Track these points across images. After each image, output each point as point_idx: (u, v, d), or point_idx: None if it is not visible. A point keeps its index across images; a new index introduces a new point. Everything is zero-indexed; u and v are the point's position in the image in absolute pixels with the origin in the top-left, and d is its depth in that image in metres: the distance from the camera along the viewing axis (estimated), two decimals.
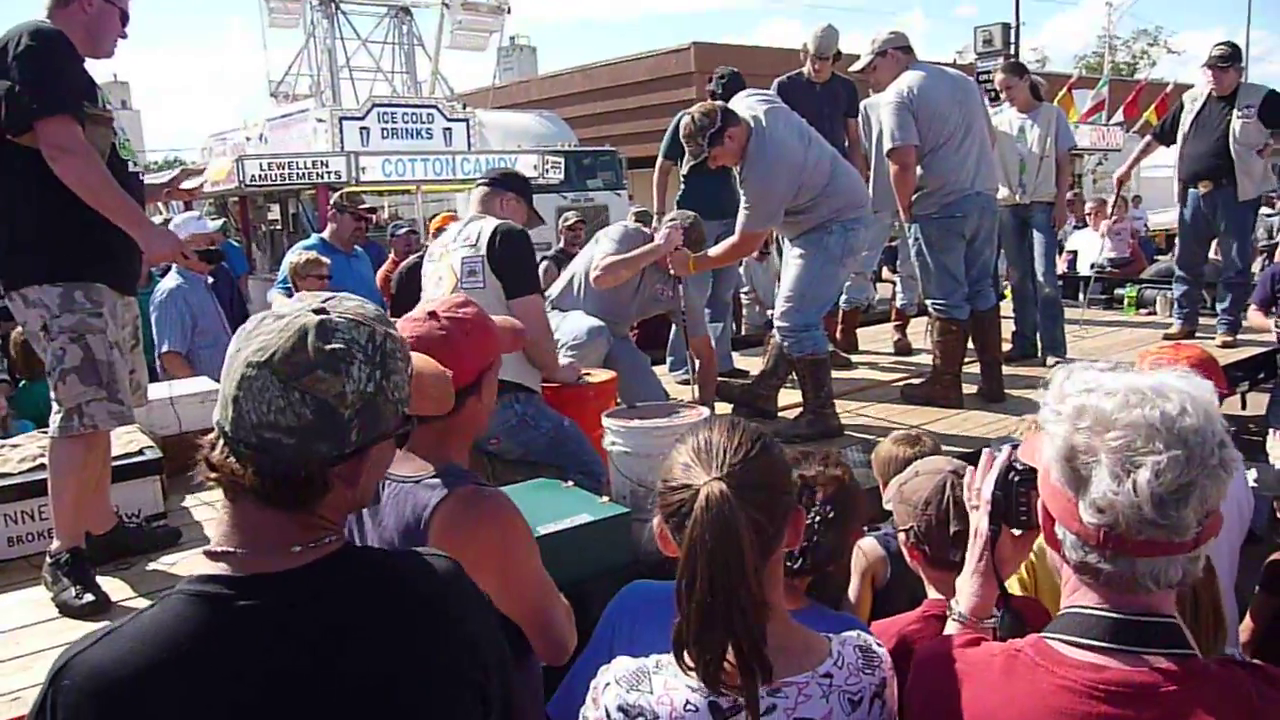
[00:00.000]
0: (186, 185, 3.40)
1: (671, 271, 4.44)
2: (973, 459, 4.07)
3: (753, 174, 4.16)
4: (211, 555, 1.12)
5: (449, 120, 14.68)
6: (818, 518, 1.75)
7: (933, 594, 1.87)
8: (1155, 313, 7.57)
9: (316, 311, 1.14)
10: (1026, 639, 1.20)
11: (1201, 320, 6.62)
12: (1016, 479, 1.34)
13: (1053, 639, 1.16)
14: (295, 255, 5.48)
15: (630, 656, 1.30)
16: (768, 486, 1.29)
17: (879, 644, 1.37)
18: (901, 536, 1.93)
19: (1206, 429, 1.07)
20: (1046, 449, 1.15)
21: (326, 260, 5.40)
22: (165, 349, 4.88)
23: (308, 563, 1.12)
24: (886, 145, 4.69)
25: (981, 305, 4.97)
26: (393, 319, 4.27)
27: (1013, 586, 2.13)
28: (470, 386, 1.82)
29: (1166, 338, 6.42)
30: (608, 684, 1.26)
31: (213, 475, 1.12)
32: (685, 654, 1.21)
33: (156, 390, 3.54)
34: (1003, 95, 6.15)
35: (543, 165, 14.65)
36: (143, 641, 1.03)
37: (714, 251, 4.52)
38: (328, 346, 1.10)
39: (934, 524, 1.83)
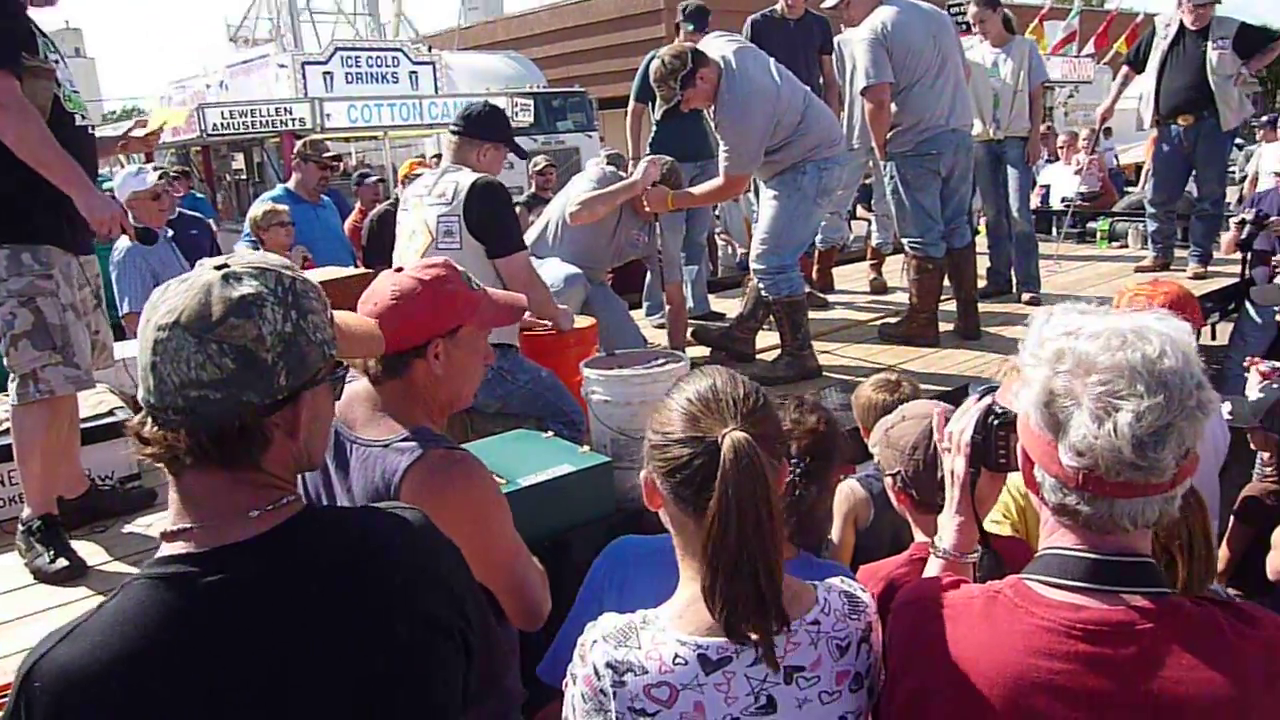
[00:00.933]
0: (139, 134, 3.27)
1: (647, 208, 4.37)
2: (951, 398, 4.11)
3: (727, 116, 4.09)
4: (168, 536, 1.09)
5: (414, 63, 14.36)
6: (797, 469, 1.73)
7: (919, 537, 1.87)
8: (1127, 245, 7.61)
9: (218, 268, 1.12)
10: (1006, 580, 1.20)
11: (1174, 252, 6.66)
12: (996, 422, 1.34)
13: (1031, 580, 1.17)
14: (256, 208, 5.36)
15: (621, 610, 1.29)
16: (774, 436, 1.29)
17: (863, 589, 1.37)
18: (888, 481, 1.93)
19: (1185, 371, 1.08)
20: (1026, 393, 1.15)
21: (285, 208, 5.28)
22: (126, 310, 4.75)
23: (269, 528, 1.10)
24: (860, 83, 4.63)
25: (957, 243, 4.97)
26: (367, 269, 4.17)
27: (1004, 528, 2.16)
28: (418, 348, 1.77)
29: (1139, 270, 6.48)
30: (595, 641, 1.25)
31: (148, 451, 1.09)
32: (689, 612, 1.22)
33: (124, 349, 3.46)
34: (975, 29, 6.07)
35: (511, 108, 14.38)
36: (109, 634, 1.01)
37: (696, 190, 4.45)
38: (235, 294, 1.09)
39: (922, 468, 1.83)
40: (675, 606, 1.26)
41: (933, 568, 1.44)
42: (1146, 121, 6.32)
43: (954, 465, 1.41)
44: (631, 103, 5.81)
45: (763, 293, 4.35)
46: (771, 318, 4.47)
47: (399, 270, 1.81)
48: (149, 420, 1.09)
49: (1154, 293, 2.64)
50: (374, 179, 7.90)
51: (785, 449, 1.36)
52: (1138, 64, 6.48)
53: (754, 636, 1.19)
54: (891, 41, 4.49)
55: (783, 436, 1.34)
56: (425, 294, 1.78)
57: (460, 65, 17.17)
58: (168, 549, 1.08)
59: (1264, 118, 11.06)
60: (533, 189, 7.94)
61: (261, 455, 1.11)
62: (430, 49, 16.44)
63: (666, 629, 1.23)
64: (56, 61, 2.74)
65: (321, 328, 1.17)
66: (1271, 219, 5.17)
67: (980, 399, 1.39)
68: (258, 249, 5.23)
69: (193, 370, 1.06)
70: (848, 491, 2.55)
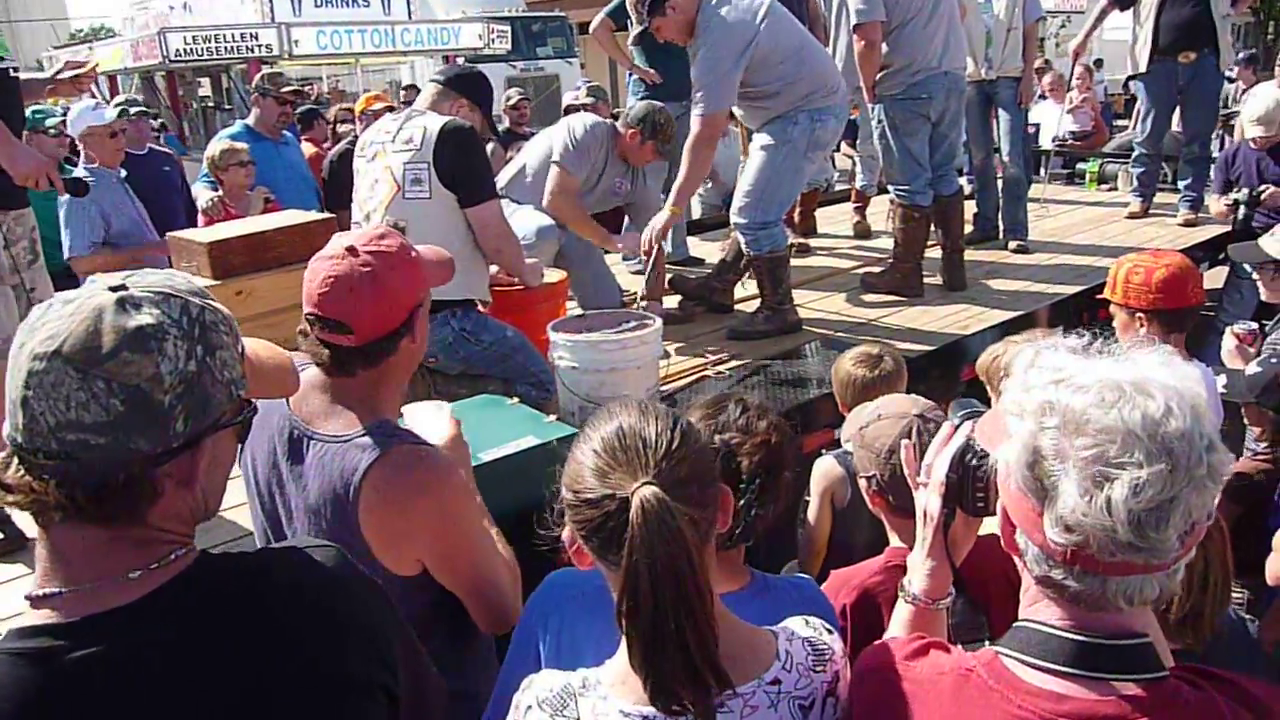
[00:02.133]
0: (67, 76, 3.03)
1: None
2: (936, 355, 3.98)
3: (702, 44, 3.87)
4: (34, 601, 0.94)
5: None
6: (749, 491, 1.53)
7: (895, 541, 1.76)
8: (1116, 188, 7.44)
9: (114, 289, 0.96)
10: (980, 654, 1.07)
11: (1161, 197, 6.51)
12: (974, 462, 1.20)
13: (1009, 657, 1.03)
14: (213, 147, 5.10)
15: (559, 659, 1.16)
16: (698, 478, 1.12)
17: (828, 629, 1.24)
18: (863, 483, 1.80)
19: (1194, 432, 0.91)
20: (1008, 448, 0.99)
21: (244, 146, 5.02)
22: (69, 255, 4.49)
23: (152, 589, 0.96)
24: (851, 20, 4.40)
25: (945, 190, 4.79)
26: (330, 214, 3.91)
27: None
28: (402, 327, 1.64)
29: (1129, 216, 6.33)
30: (529, 707, 1.12)
31: (10, 500, 0.94)
32: (632, 678, 1.07)
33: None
34: None
35: (488, 34, 13.95)
36: None
37: (681, 178, 4.09)
38: (132, 324, 0.94)
39: (899, 472, 1.69)
40: (617, 669, 1.12)
41: (901, 614, 1.31)
42: (1142, 64, 6.10)
43: (927, 504, 1.27)
44: (600, 17, 5.43)
45: (744, 248, 4.19)
46: (751, 271, 4.31)
47: (350, 250, 1.62)
48: (14, 463, 0.93)
49: (1155, 264, 2.50)
50: (335, 109, 7.47)
51: (717, 485, 1.18)
52: (1125, 2, 6.26)
53: (690, 709, 1.05)
54: None
55: (711, 472, 1.16)
56: (397, 268, 1.63)
57: None
58: (33, 617, 0.94)
59: (1241, 55, 10.77)
60: (506, 124, 7.64)
61: (148, 509, 0.96)
62: None
63: (609, 697, 1.09)
64: None
65: (230, 365, 1.02)
66: (1265, 191, 4.98)
67: (959, 427, 1.25)
68: (216, 189, 5.01)
69: (73, 410, 0.91)
70: (826, 468, 2.44)
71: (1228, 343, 2.96)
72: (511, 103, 7.61)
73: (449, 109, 3.14)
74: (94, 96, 4.90)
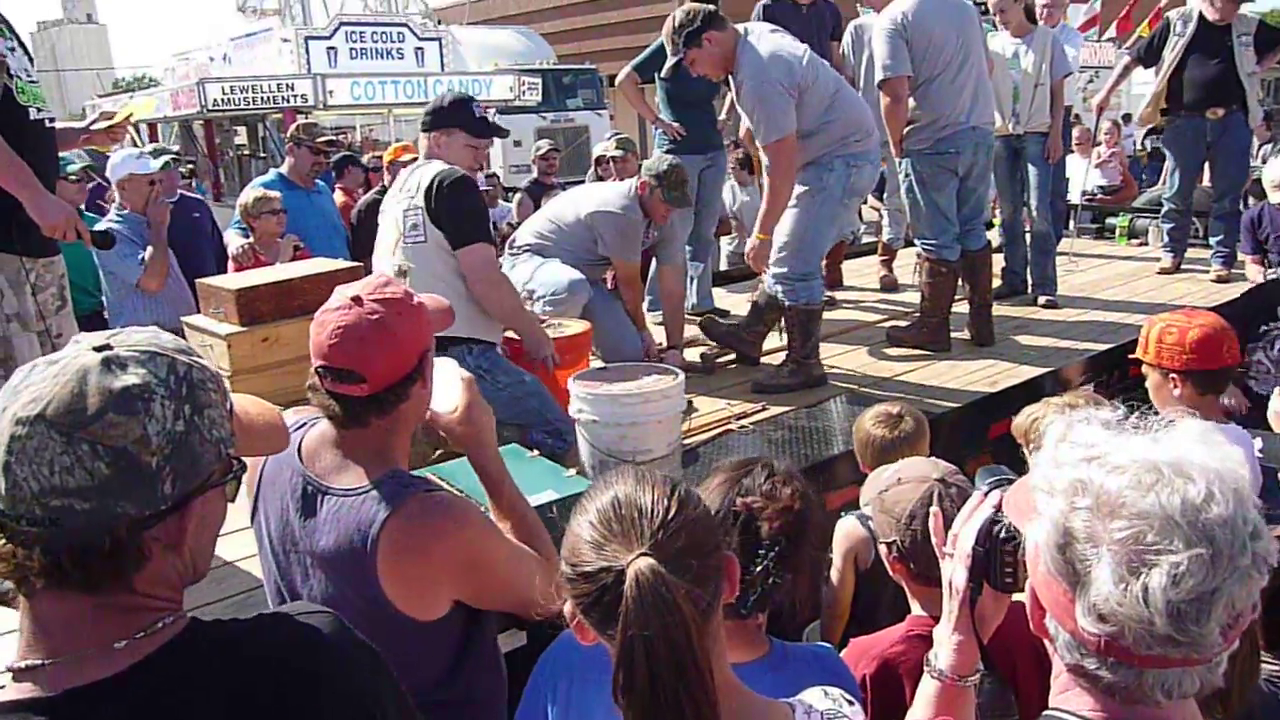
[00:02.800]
0: (100, 127, 3.08)
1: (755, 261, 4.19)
2: (963, 412, 3.90)
3: (745, 75, 3.84)
4: (15, 674, 0.91)
5: (421, 39, 14.14)
6: (769, 557, 1.49)
7: (916, 609, 1.70)
8: (1147, 243, 7.36)
9: (98, 349, 0.94)
10: None
11: (1193, 252, 6.44)
12: (1003, 535, 1.15)
13: None
14: (246, 195, 5.17)
15: None
16: (697, 548, 1.08)
17: (849, 700, 1.19)
18: (882, 549, 1.75)
19: (1237, 518, 0.86)
20: (1037, 528, 0.94)
21: (276, 194, 5.07)
22: (138, 278, 4.51)
23: (139, 659, 0.92)
24: (878, 76, 4.41)
25: (973, 244, 4.76)
26: (356, 262, 3.92)
27: None
28: (413, 373, 1.63)
29: (1161, 272, 6.26)
30: None
31: None
32: None
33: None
34: (996, 19, 5.83)
35: (519, 86, 14.18)
36: None
37: (764, 207, 4.04)
38: (118, 384, 0.92)
39: (919, 539, 1.64)
40: None
41: (926, 690, 1.25)
42: (1154, 117, 6.10)
43: (953, 576, 1.22)
44: (626, 71, 5.47)
45: (780, 297, 4.14)
46: (782, 321, 4.27)
47: (356, 300, 1.62)
48: None
49: (1188, 324, 2.45)
50: (366, 158, 7.61)
51: (720, 554, 1.13)
52: (1148, 58, 6.26)
53: None
54: (911, 32, 4.27)
55: (712, 540, 1.12)
56: (404, 314, 1.63)
57: (468, 40, 16.94)
58: (13, 691, 0.90)
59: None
60: (535, 174, 7.72)
61: (135, 575, 0.94)
62: (439, 22, 16.22)
63: None
64: (11, 49, 2.56)
65: (219, 423, 0.99)
66: None
67: (986, 496, 1.20)
68: (248, 236, 5.07)
69: (56, 475, 0.88)
70: (848, 529, 2.38)
71: (1275, 404, 2.87)
72: (541, 153, 7.70)
73: (438, 149, 3.23)
74: (135, 144, 4.99)
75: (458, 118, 3.24)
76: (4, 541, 0.90)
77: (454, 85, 13.60)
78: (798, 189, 4.03)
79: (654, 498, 1.09)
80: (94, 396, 0.90)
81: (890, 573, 1.76)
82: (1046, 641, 0.98)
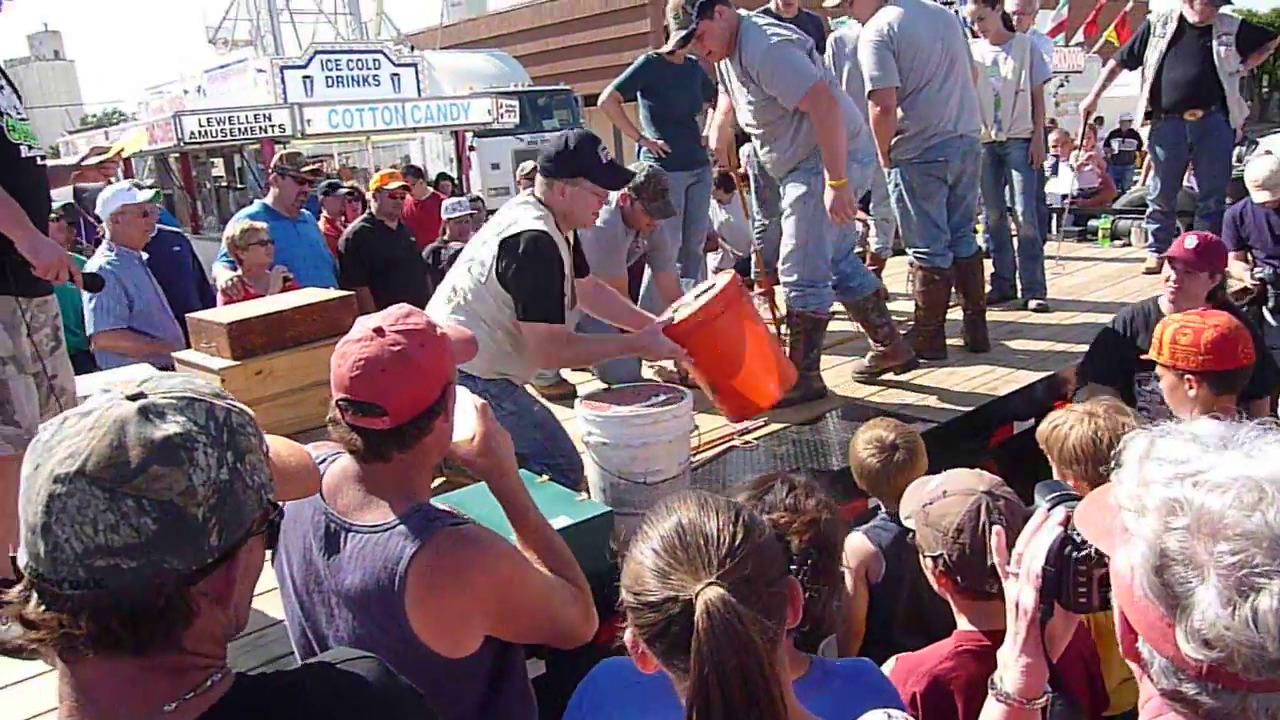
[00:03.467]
0: (92, 162, 3.03)
1: (841, 217, 3.91)
2: (969, 419, 3.88)
3: (754, 45, 3.73)
4: None
5: (396, 65, 14.13)
6: (802, 573, 1.46)
7: (963, 624, 1.67)
8: (1130, 244, 7.43)
9: (132, 398, 0.90)
10: None
11: None
12: (1075, 554, 1.11)
13: None
14: (232, 227, 5.11)
15: None
16: (764, 575, 1.06)
17: (901, 712, 1.16)
18: (928, 563, 1.72)
19: None
20: (1129, 550, 0.90)
21: (263, 225, 5.03)
22: (94, 330, 4.45)
23: None
24: (866, 87, 4.42)
25: (964, 251, 4.78)
26: (347, 291, 3.84)
27: None
28: (436, 405, 1.60)
29: (1147, 272, 6.31)
30: None
31: (36, 637, 0.86)
32: None
33: (87, 384, 3.23)
34: (974, 27, 5.88)
35: (497, 109, 14.17)
36: None
37: (827, 152, 3.72)
38: (159, 434, 0.88)
39: (968, 553, 1.62)
40: None
41: (993, 713, 1.22)
42: (1138, 119, 6.17)
43: (1021, 597, 1.19)
44: (609, 90, 5.44)
45: (789, 302, 4.10)
46: (787, 330, 4.23)
47: (378, 331, 1.58)
48: (34, 596, 0.86)
49: (1202, 325, 2.44)
50: (344, 190, 7.59)
51: (784, 580, 1.11)
52: (1130, 61, 6.33)
53: None
54: (898, 43, 4.29)
55: (778, 566, 1.10)
56: (427, 345, 1.59)
57: (443, 65, 16.96)
58: None
59: None
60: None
61: (183, 633, 0.89)
62: (412, 48, 16.22)
63: None
64: (0, 88, 2.52)
65: (259, 468, 0.96)
66: None
67: (1050, 512, 1.16)
68: (235, 269, 5.01)
69: (101, 534, 0.84)
70: (856, 544, 2.36)
71: None
72: (525, 172, 7.70)
73: (561, 199, 2.95)
74: (113, 178, 4.94)
75: (584, 164, 2.93)
76: (44, 608, 0.85)
77: (431, 110, 13.61)
78: (793, 193, 3.96)
79: (719, 524, 1.07)
80: (135, 448, 0.86)
81: (936, 587, 1.73)
82: (1136, 667, 0.95)
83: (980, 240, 5.87)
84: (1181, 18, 5.96)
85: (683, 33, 3.81)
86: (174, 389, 0.94)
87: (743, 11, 3.88)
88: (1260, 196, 5.13)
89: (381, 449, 1.57)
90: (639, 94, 5.39)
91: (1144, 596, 0.88)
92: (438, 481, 3.01)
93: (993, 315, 5.21)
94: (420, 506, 1.57)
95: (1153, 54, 6.06)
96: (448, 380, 1.64)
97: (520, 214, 2.91)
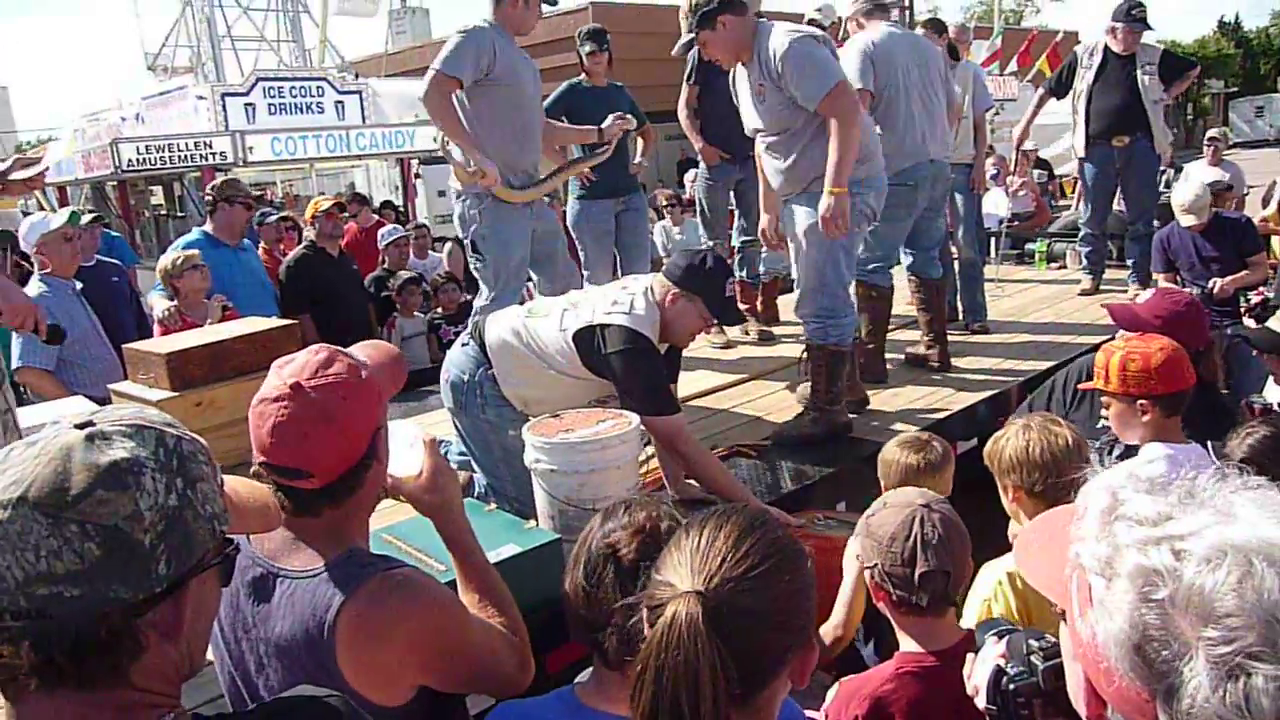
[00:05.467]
0: (19, 176, 2.87)
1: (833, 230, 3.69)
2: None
3: (777, 45, 3.56)
4: None
5: (340, 92, 14.02)
6: (640, 581, 1.39)
7: (906, 644, 1.69)
8: (1065, 266, 7.63)
9: (80, 426, 0.89)
10: None
11: (1111, 273, 6.70)
12: (1011, 687, 1.10)
13: None
14: (165, 258, 4.97)
15: None
16: (769, 616, 1.01)
17: None
18: (867, 574, 1.75)
19: None
20: (1103, 621, 0.84)
21: (196, 252, 4.89)
22: (19, 364, 4.29)
23: None
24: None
25: (934, 274, 4.92)
26: (289, 320, 3.79)
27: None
28: (366, 458, 1.53)
29: (1082, 294, 6.48)
30: None
31: None
32: None
33: (31, 415, 3.12)
34: None
35: (442, 138, 14.10)
36: None
37: (836, 156, 3.53)
38: (104, 459, 0.86)
39: (899, 562, 1.65)
40: None
41: None
42: (1079, 149, 6.35)
43: None
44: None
45: (808, 337, 3.93)
46: (808, 364, 4.01)
47: (296, 389, 1.48)
48: None
49: (1150, 349, 2.48)
50: (275, 217, 7.47)
51: (797, 639, 1.06)
52: (1060, 90, 6.55)
53: None
54: (877, 56, 4.46)
55: (793, 621, 1.05)
56: (350, 397, 1.51)
57: (388, 92, 16.83)
58: None
59: None
60: None
61: (130, 668, 0.87)
62: (357, 75, 16.11)
63: None
64: None
65: (212, 498, 0.94)
66: (1215, 285, 5.19)
67: (992, 646, 1.14)
68: (173, 300, 4.90)
69: (43, 560, 0.82)
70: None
71: None
72: None
73: (670, 305, 2.97)
74: (42, 208, 4.83)
75: (709, 288, 2.96)
76: None
77: (376, 138, 13.53)
78: (801, 223, 3.77)
79: (746, 547, 1.03)
80: (80, 473, 0.85)
81: (874, 601, 1.75)
82: None
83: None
84: (1106, 48, 6.19)
85: (685, 39, 3.77)
86: (123, 418, 0.93)
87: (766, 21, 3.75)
88: (1186, 220, 5.32)
89: (310, 506, 1.51)
90: (565, 120, 5.43)
91: (1124, 674, 0.83)
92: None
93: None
94: (353, 552, 1.52)
95: (1082, 84, 6.29)
96: (376, 427, 1.57)
97: (628, 300, 2.96)
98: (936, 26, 5.88)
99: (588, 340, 2.93)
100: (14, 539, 0.82)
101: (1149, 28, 6.17)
